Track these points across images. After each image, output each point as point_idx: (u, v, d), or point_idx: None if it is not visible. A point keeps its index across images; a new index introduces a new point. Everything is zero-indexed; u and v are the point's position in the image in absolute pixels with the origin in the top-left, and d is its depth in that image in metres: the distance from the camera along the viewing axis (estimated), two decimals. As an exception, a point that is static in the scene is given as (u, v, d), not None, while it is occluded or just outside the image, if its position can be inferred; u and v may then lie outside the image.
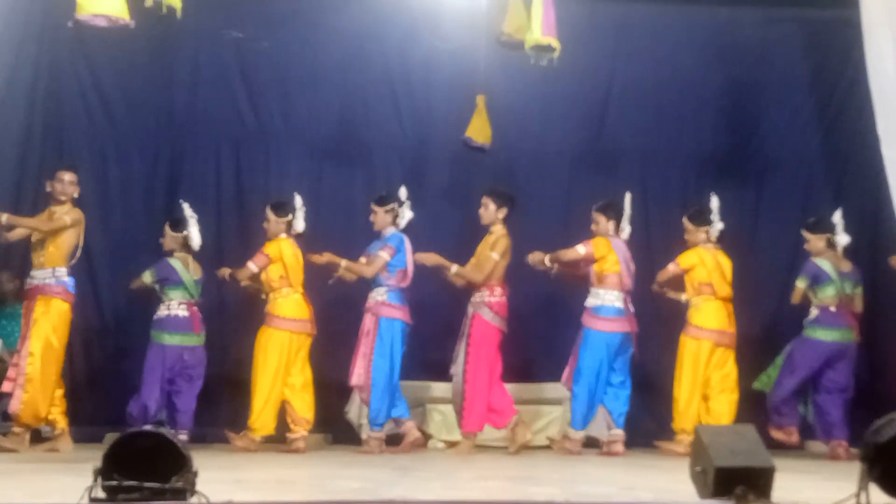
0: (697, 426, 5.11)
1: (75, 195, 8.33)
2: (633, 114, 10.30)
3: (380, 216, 8.66)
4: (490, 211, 8.64)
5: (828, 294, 8.72)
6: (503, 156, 9.87)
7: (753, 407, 8.84)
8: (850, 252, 9.18)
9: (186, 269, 8.74)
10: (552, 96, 10.07)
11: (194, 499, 4.42)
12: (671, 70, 10.17)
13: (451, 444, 8.95)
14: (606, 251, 8.58)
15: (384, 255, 8.52)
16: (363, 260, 8.65)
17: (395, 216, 8.66)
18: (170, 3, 6.93)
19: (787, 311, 9.03)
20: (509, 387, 9.03)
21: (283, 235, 8.74)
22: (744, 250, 9.57)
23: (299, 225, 8.78)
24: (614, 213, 8.66)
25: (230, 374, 9.37)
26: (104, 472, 4.41)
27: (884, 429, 4.50)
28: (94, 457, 4.55)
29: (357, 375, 8.53)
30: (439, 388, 9.09)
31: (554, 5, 7.84)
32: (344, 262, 8.61)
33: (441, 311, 9.33)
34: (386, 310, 8.55)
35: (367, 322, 8.60)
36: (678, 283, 8.91)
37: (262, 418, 8.58)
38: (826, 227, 8.82)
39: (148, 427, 4.70)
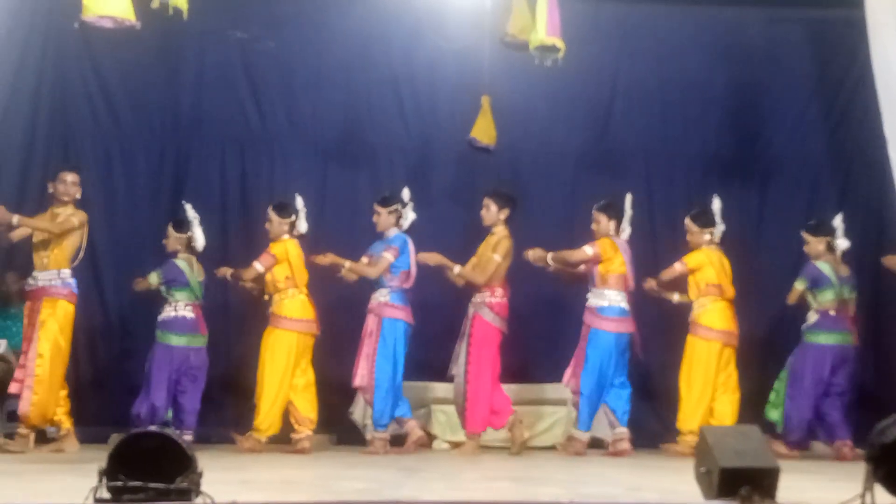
0: (702, 427, 5.10)
1: (78, 196, 8.34)
2: (638, 114, 10.29)
3: (383, 217, 8.66)
4: (492, 212, 8.63)
5: (827, 298, 8.71)
6: (507, 156, 9.86)
7: (754, 407, 8.82)
8: (855, 254, 9.18)
9: (191, 270, 8.74)
10: (556, 97, 10.06)
11: (199, 499, 4.43)
12: (676, 70, 10.17)
13: (456, 445, 8.95)
14: (613, 252, 8.57)
15: (388, 257, 8.52)
16: (365, 260, 8.65)
17: (399, 217, 8.66)
18: (176, 5, 6.93)
19: (790, 312, 9.01)
20: (512, 387, 9.05)
21: (286, 236, 8.73)
22: (748, 251, 9.57)
23: (302, 226, 8.78)
24: (615, 212, 8.65)
25: (235, 375, 9.38)
26: (109, 473, 4.41)
27: (888, 429, 4.50)
28: (99, 457, 4.55)
29: (360, 376, 8.53)
30: (443, 389, 9.08)
31: (558, 6, 7.84)
32: (348, 263, 8.61)
33: (445, 311, 9.32)
34: (389, 310, 8.56)
35: (370, 323, 8.60)
36: (674, 283, 8.89)
37: (268, 419, 8.58)
38: (827, 231, 8.80)
39: (153, 427, 4.70)
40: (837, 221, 8.85)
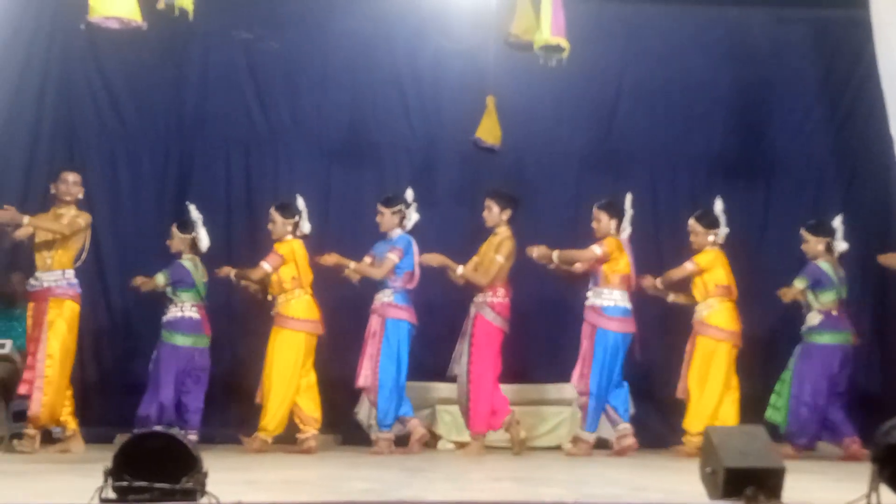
0: (707, 427, 5.10)
1: (80, 196, 8.35)
2: (642, 114, 10.30)
3: (386, 217, 8.66)
4: (494, 213, 8.63)
5: (829, 298, 8.70)
6: (512, 156, 9.86)
7: (754, 407, 8.81)
8: (860, 253, 9.19)
9: (197, 270, 8.75)
10: (561, 97, 10.06)
11: (204, 499, 4.43)
12: (680, 70, 10.17)
13: (461, 445, 8.95)
14: (619, 252, 8.57)
15: (393, 258, 8.52)
16: (368, 260, 8.65)
17: (402, 218, 8.66)
18: (182, 5, 6.94)
19: (794, 313, 8.99)
20: (516, 388, 9.06)
21: (289, 237, 8.73)
22: (751, 251, 9.57)
23: (305, 226, 8.78)
24: (616, 211, 8.63)
25: (239, 376, 9.38)
26: (115, 473, 4.42)
27: (894, 430, 4.49)
28: (104, 457, 4.56)
29: (364, 377, 8.54)
30: (447, 389, 9.08)
31: (563, 5, 7.84)
32: (352, 264, 8.60)
33: (449, 312, 9.32)
34: (392, 311, 8.56)
35: (374, 323, 8.61)
36: (676, 282, 8.86)
37: (276, 419, 8.59)
38: (827, 231, 8.79)
39: (158, 428, 4.71)
40: (837, 223, 8.83)
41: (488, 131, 9.06)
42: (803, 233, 8.83)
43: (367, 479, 6.39)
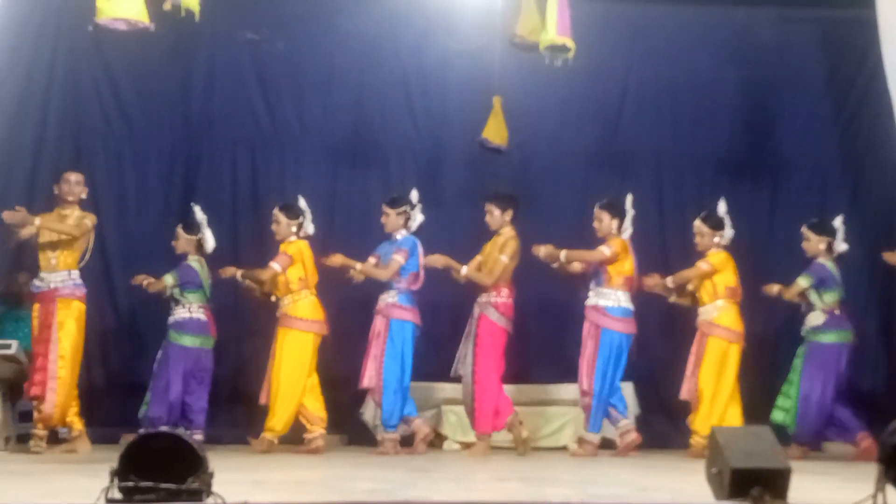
0: (713, 427, 5.09)
1: (83, 196, 8.36)
2: (649, 114, 10.29)
3: (391, 218, 8.66)
4: (496, 216, 8.64)
5: (833, 298, 8.69)
6: (517, 156, 9.86)
7: (755, 407, 8.81)
8: (866, 253, 9.18)
9: (203, 271, 8.75)
10: (567, 97, 10.06)
11: (210, 500, 4.44)
12: (686, 70, 10.16)
13: (467, 446, 8.95)
14: (625, 253, 8.56)
15: (399, 259, 8.52)
16: (372, 261, 8.64)
17: (407, 219, 8.65)
18: (188, 6, 6.95)
19: (800, 313, 8.98)
20: (522, 388, 9.06)
21: (293, 238, 8.73)
22: (758, 251, 9.56)
23: (309, 227, 8.77)
24: (617, 211, 8.61)
25: (245, 376, 9.39)
26: (120, 473, 4.42)
27: (901, 430, 4.50)
28: (110, 458, 4.56)
29: (368, 377, 8.54)
30: (453, 390, 9.09)
31: (569, 6, 7.84)
32: (359, 266, 8.59)
33: (454, 312, 9.33)
34: (397, 312, 8.56)
35: (378, 324, 8.61)
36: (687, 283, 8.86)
37: (283, 419, 8.58)
38: (829, 231, 8.77)
39: (164, 428, 4.71)
40: (838, 223, 8.81)
41: (495, 132, 9.06)
42: (805, 231, 8.82)
43: (373, 480, 6.39)
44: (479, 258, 8.69)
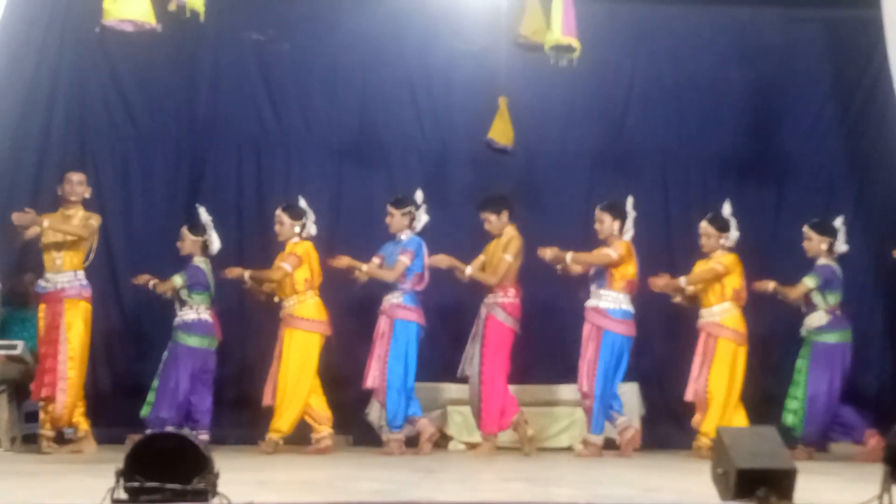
0: (719, 428, 5.09)
1: (86, 195, 8.36)
2: (654, 115, 10.28)
3: (396, 218, 8.65)
4: (494, 222, 8.63)
5: (836, 299, 8.68)
6: (523, 157, 9.86)
7: (755, 408, 8.80)
8: (872, 253, 9.17)
9: (209, 273, 8.75)
10: (573, 98, 10.06)
11: (216, 500, 4.44)
12: (692, 71, 10.15)
13: (472, 446, 8.96)
14: (630, 256, 8.54)
15: (405, 260, 8.51)
16: (376, 261, 8.62)
17: (412, 219, 8.65)
18: (193, 7, 6.95)
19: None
20: (527, 388, 9.05)
21: (296, 239, 8.72)
22: (763, 252, 9.55)
23: (312, 228, 8.76)
24: (619, 213, 8.59)
25: (252, 377, 9.39)
26: (126, 474, 4.43)
27: (907, 430, 4.49)
28: (116, 458, 4.57)
29: (372, 378, 8.54)
30: (458, 390, 9.10)
31: (574, 6, 7.84)
32: (365, 267, 8.58)
33: (459, 313, 9.33)
34: (401, 312, 8.56)
35: (382, 324, 8.60)
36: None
37: (290, 420, 8.57)
38: (830, 231, 8.75)
39: (169, 428, 4.72)
40: (839, 223, 8.80)
41: (501, 132, 9.06)
42: (807, 230, 8.79)
43: (378, 480, 6.39)
44: (481, 258, 8.69)
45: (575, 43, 7.86)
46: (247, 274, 8.66)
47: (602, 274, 8.56)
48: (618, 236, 8.55)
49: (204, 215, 8.77)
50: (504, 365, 8.54)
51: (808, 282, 8.64)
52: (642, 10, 10.19)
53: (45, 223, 8.09)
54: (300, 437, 8.71)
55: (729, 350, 8.61)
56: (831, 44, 10.16)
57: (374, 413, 9.00)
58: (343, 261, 8.61)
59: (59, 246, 8.24)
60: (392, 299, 8.59)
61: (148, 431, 4.67)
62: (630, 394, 9.25)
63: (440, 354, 9.27)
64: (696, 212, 9.31)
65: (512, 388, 8.66)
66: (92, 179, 8.73)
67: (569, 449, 9.06)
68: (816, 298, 8.69)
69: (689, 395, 8.66)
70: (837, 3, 9.84)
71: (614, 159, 10.23)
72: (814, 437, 8.66)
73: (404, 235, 8.63)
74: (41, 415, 8.30)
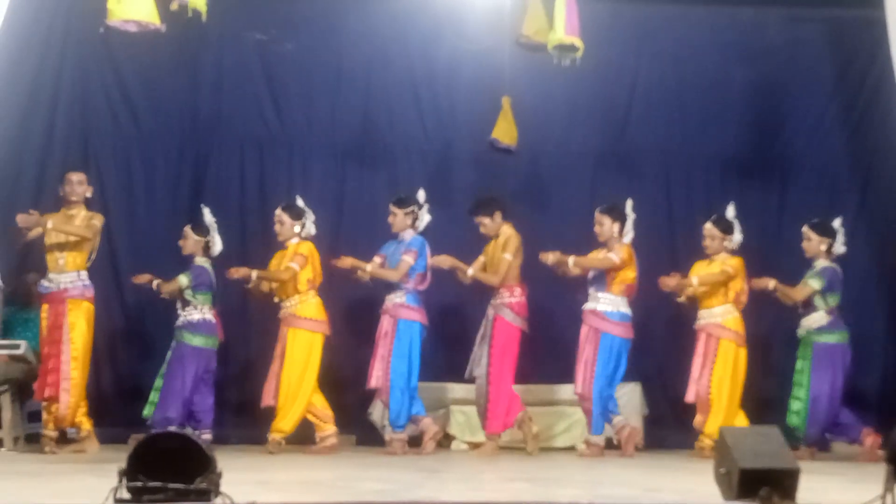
0: (721, 428, 5.09)
1: (88, 195, 8.36)
2: (657, 115, 10.28)
3: (399, 218, 8.65)
4: (489, 224, 8.63)
5: (836, 300, 8.67)
6: (526, 156, 9.85)
7: (756, 409, 8.79)
8: (876, 253, 9.16)
9: (212, 273, 8.75)
10: (575, 98, 10.06)
11: (219, 500, 4.45)
12: (695, 71, 10.15)
13: (475, 446, 8.95)
14: (631, 261, 8.54)
15: (409, 260, 8.51)
16: (378, 260, 8.61)
17: (415, 219, 8.65)
18: (195, 6, 6.96)
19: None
20: (530, 388, 9.04)
21: (296, 239, 8.72)
22: (766, 252, 9.54)
23: (312, 228, 8.76)
24: (619, 215, 8.58)
25: (255, 376, 9.38)
26: (129, 473, 4.44)
27: (910, 430, 4.49)
28: (118, 458, 4.58)
29: (375, 378, 8.54)
30: (461, 390, 9.10)
31: (577, 5, 7.84)
32: (369, 267, 8.57)
33: (462, 313, 9.33)
34: (404, 312, 8.56)
35: (385, 324, 8.60)
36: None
37: (293, 420, 8.55)
38: (830, 232, 8.74)
39: (172, 428, 4.72)
40: (837, 224, 8.79)
41: (505, 132, 9.06)
42: (807, 231, 8.76)
43: (381, 480, 6.39)
44: (482, 259, 8.69)
45: (578, 42, 7.86)
46: (254, 274, 8.62)
47: (601, 277, 8.55)
48: (618, 239, 8.53)
49: (208, 216, 8.76)
50: (511, 365, 8.55)
51: (814, 284, 8.62)
52: (645, 9, 10.18)
53: (49, 224, 8.10)
54: (301, 437, 8.70)
55: (730, 351, 8.61)
56: (834, 44, 10.16)
57: (377, 413, 9.00)
58: (347, 261, 8.61)
59: (61, 246, 8.25)
60: (395, 299, 8.59)
61: (151, 431, 4.67)
62: (632, 394, 9.26)
63: (443, 354, 9.27)
64: (698, 211, 9.32)
65: (515, 387, 8.66)
66: (95, 179, 8.73)
67: (571, 449, 9.06)
68: (817, 299, 8.68)
69: (689, 397, 8.65)
70: (840, 3, 9.83)
71: (617, 159, 10.22)
72: (816, 438, 8.67)
73: (407, 235, 8.63)
74: (44, 415, 8.30)
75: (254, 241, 9.82)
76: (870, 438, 8.48)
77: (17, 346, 8.57)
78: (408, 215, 8.64)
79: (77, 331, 8.18)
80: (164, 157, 10.11)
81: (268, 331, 9.03)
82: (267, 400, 8.61)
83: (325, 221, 9.01)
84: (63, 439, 8.40)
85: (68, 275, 8.23)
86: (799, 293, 8.63)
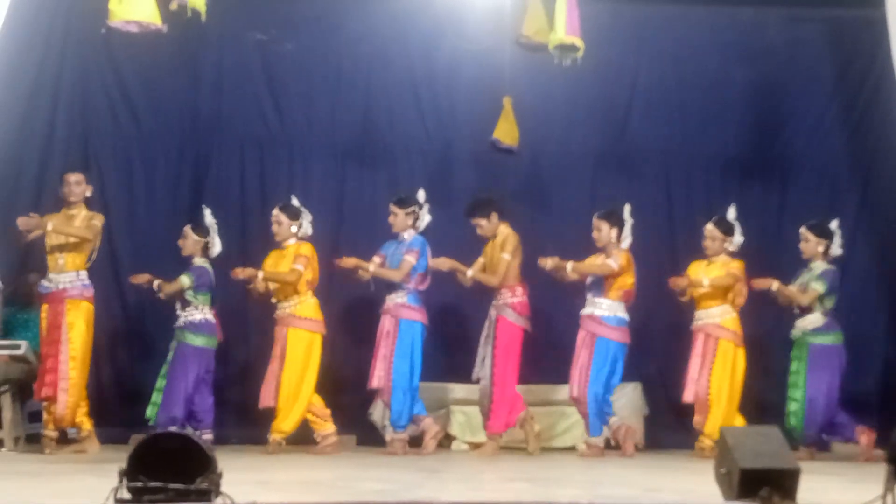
0: (722, 428, 5.09)
1: (87, 194, 8.36)
2: (657, 115, 10.28)
3: (399, 218, 8.65)
4: (485, 226, 8.63)
5: (833, 301, 8.68)
6: (526, 157, 9.85)
7: (757, 409, 8.78)
8: (876, 253, 9.15)
9: (212, 274, 8.74)
10: (576, 98, 10.05)
11: (219, 500, 4.45)
12: (695, 71, 10.15)
13: (475, 446, 8.95)
14: (629, 267, 8.54)
15: (410, 260, 8.51)
16: (377, 260, 8.61)
17: (415, 219, 8.65)
18: (194, 7, 6.96)
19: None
20: (531, 388, 9.04)
21: (293, 239, 8.71)
22: (768, 252, 9.54)
23: (309, 228, 8.75)
24: (616, 221, 8.56)
25: (254, 376, 9.38)
26: (130, 474, 4.43)
27: (910, 430, 4.49)
28: (119, 458, 4.58)
29: (377, 378, 8.54)
30: (462, 390, 9.10)
31: (577, 5, 7.84)
32: (372, 267, 8.56)
33: (463, 313, 9.33)
34: (406, 312, 8.56)
35: (386, 324, 8.60)
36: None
37: (294, 420, 8.55)
38: (827, 233, 8.73)
39: (173, 428, 4.73)
40: (835, 225, 8.78)
41: (506, 132, 9.06)
42: (804, 232, 8.76)
43: (381, 480, 6.40)
44: (481, 260, 8.70)
45: (579, 42, 7.86)
46: (260, 275, 8.60)
47: (599, 283, 8.56)
48: (616, 244, 8.52)
49: (209, 217, 8.75)
50: (515, 365, 8.56)
51: (819, 287, 8.60)
52: (645, 9, 10.17)
53: (49, 226, 8.10)
54: (302, 437, 8.70)
55: (729, 351, 8.61)
56: (835, 44, 10.15)
57: (378, 413, 8.99)
58: (350, 261, 8.60)
59: (62, 247, 8.25)
60: (396, 299, 8.59)
61: (152, 431, 4.67)
62: (633, 394, 9.26)
63: (443, 354, 9.26)
64: (698, 211, 9.32)
65: (516, 387, 8.66)
66: (95, 180, 8.72)
67: (572, 449, 9.06)
68: (815, 301, 8.69)
69: (688, 397, 8.65)
70: (840, 3, 9.83)
71: (617, 159, 10.22)
72: (814, 438, 8.67)
73: (407, 235, 8.63)
74: (44, 415, 8.30)
75: (254, 241, 9.79)
76: (864, 436, 8.50)
77: (17, 347, 8.57)
78: (408, 215, 8.64)
79: (76, 331, 8.19)
80: (164, 157, 10.10)
81: (267, 331, 9.01)
82: (266, 401, 8.60)
83: (325, 221, 9.00)
84: (63, 439, 8.41)
85: (67, 275, 8.23)
86: (804, 298, 8.61)
